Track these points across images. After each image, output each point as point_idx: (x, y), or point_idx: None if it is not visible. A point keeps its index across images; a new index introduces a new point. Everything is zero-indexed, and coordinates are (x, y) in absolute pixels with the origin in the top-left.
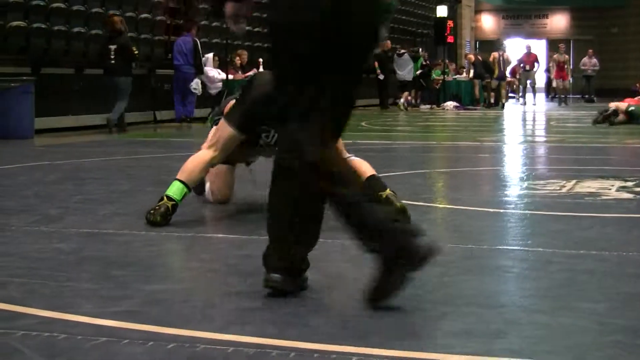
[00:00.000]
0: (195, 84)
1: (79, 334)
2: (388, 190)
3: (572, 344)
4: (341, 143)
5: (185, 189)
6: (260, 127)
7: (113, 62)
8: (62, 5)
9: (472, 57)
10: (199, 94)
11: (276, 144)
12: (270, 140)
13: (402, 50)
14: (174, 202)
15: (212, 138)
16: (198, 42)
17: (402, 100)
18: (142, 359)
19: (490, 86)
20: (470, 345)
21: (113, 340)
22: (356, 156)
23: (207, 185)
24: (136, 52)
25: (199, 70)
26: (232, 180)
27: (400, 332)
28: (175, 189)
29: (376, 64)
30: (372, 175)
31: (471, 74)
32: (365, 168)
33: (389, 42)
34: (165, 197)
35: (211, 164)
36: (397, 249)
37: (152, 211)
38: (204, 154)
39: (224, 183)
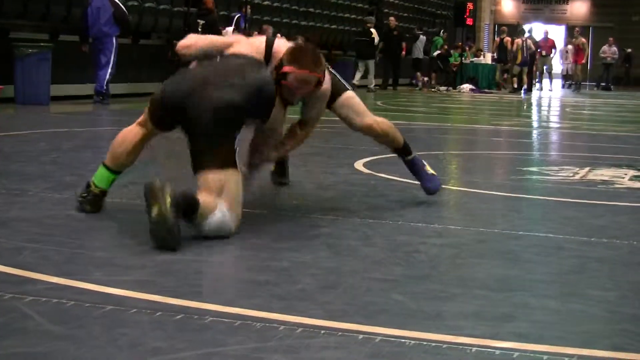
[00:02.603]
0: None
1: (87, 301)
2: None
3: (581, 330)
4: None
5: (112, 176)
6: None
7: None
8: None
9: (498, 40)
10: None
11: None
12: None
13: (419, 31)
14: (101, 189)
15: (144, 114)
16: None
17: (419, 80)
18: (148, 328)
19: (512, 71)
20: (478, 327)
21: (121, 309)
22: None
23: None
24: (222, 29)
25: None
26: None
27: (408, 311)
28: (100, 177)
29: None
30: None
31: (488, 57)
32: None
33: (393, 19)
34: (92, 184)
35: (144, 142)
36: None
37: (80, 198)
38: (135, 132)
39: None
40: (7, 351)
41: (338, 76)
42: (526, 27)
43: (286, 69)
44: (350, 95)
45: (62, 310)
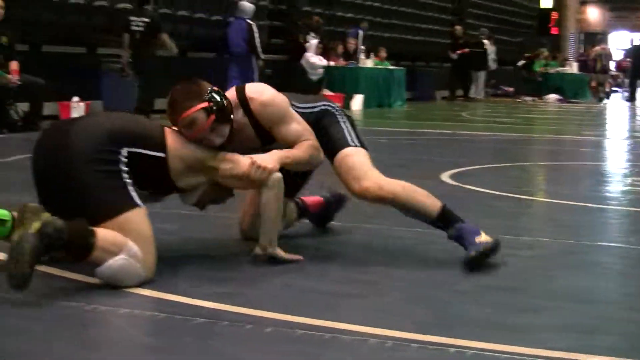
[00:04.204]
0: None
1: (179, 313)
2: None
3: None
4: None
5: None
6: None
7: None
8: None
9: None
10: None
11: None
12: None
13: (486, 40)
14: None
15: None
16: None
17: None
18: (240, 341)
19: (599, 80)
20: (566, 340)
21: (213, 321)
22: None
23: None
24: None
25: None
26: None
27: (499, 324)
28: None
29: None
30: None
31: (574, 67)
32: None
33: (459, 27)
34: None
35: None
36: None
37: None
38: None
39: None
40: None
41: (346, 129)
42: (611, 35)
43: (177, 129)
44: (348, 153)
45: (155, 323)
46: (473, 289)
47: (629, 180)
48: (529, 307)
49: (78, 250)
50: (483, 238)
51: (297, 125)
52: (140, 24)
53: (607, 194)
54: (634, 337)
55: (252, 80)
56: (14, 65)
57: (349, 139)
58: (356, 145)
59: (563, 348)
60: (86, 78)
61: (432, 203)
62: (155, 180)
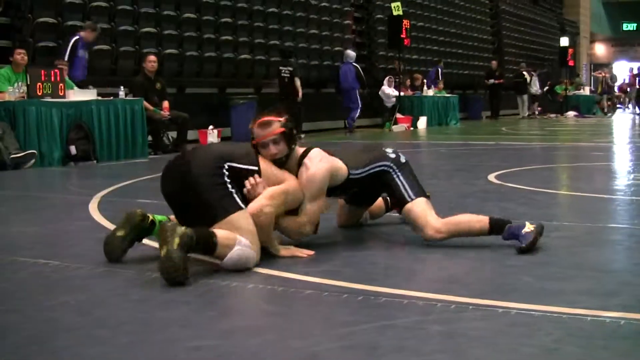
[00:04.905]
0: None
1: (291, 287)
2: None
3: None
4: None
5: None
6: None
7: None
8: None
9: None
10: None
11: None
12: None
13: (534, 72)
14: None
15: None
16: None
17: (536, 111)
18: (337, 306)
19: (602, 100)
20: (591, 301)
21: (317, 292)
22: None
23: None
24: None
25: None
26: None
27: (535, 290)
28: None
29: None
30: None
31: (587, 90)
32: None
33: (494, 62)
34: None
35: None
36: None
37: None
38: None
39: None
40: (232, 325)
41: (401, 184)
42: (615, 64)
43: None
44: (409, 208)
45: (274, 294)
46: (517, 264)
47: (631, 176)
48: (560, 276)
49: (207, 249)
50: (528, 228)
51: (310, 207)
52: (287, 71)
53: (616, 187)
54: None
55: (358, 106)
56: (165, 104)
57: (406, 195)
58: (412, 199)
59: (589, 307)
60: (218, 111)
61: (481, 224)
62: None
